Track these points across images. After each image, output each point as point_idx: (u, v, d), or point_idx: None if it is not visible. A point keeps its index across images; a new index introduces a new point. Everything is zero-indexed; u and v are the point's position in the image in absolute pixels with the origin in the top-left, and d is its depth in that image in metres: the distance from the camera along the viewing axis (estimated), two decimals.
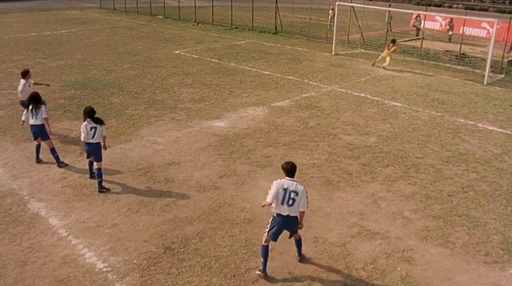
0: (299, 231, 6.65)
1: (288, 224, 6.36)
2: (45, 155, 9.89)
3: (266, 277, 6.51)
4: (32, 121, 9.40)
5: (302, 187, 6.30)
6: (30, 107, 9.36)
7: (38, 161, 9.83)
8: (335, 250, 7.22)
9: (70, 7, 39.86)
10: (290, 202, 6.20)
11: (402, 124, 12.75)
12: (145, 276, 6.51)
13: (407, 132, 12.17)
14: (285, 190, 6.20)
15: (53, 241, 7.24)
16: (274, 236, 6.40)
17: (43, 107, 9.36)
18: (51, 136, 9.79)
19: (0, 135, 11.31)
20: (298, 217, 6.40)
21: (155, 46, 22.98)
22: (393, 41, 19.53)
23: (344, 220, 8.06)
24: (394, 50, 19.37)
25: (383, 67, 19.19)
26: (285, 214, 6.25)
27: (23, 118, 9.68)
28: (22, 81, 10.94)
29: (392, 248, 7.31)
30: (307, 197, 6.33)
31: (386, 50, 19.47)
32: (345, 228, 7.81)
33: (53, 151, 9.63)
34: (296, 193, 6.20)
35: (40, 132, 9.47)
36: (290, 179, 6.30)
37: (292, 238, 6.68)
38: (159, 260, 6.85)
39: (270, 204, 6.23)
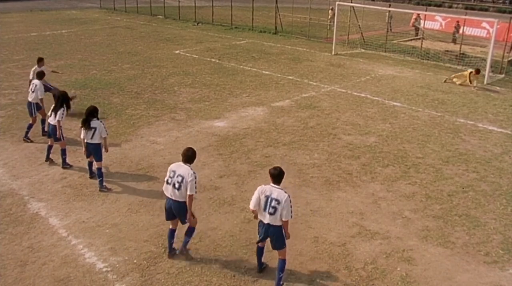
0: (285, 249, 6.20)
1: (269, 233, 6.03)
2: (51, 155, 9.89)
3: (261, 271, 6.55)
4: (50, 119, 9.51)
5: (287, 196, 5.86)
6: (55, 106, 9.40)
7: (47, 160, 9.82)
8: (335, 250, 7.22)
9: (70, 7, 39.83)
10: (271, 210, 5.85)
11: (402, 124, 12.75)
12: (145, 276, 6.51)
13: (407, 132, 12.17)
14: (267, 196, 5.89)
15: (53, 241, 7.24)
16: (262, 240, 6.27)
17: (60, 110, 9.31)
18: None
19: (0, 135, 11.31)
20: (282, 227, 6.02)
21: (155, 46, 22.98)
22: (478, 71, 16.74)
23: (344, 220, 8.06)
24: (474, 77, 16.66)
25: (451, 81, 17.31)
26: (265, 221, 5.99)
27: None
28: (38, 82, 10.56)
29: (392, 248, 7.31)
30: (291, 206, 5.91)
31: (466, 73, 16.96)
32: (345, 228, 7.81)
33: (63, 152, 9.62)
34: (278, 202, 5.83)
35: (52, 132, 9.48)
36: (275, 185, 5.96)
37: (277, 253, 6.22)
38: (159, 260, 6.86)
39: (253, 211, 6.07)
